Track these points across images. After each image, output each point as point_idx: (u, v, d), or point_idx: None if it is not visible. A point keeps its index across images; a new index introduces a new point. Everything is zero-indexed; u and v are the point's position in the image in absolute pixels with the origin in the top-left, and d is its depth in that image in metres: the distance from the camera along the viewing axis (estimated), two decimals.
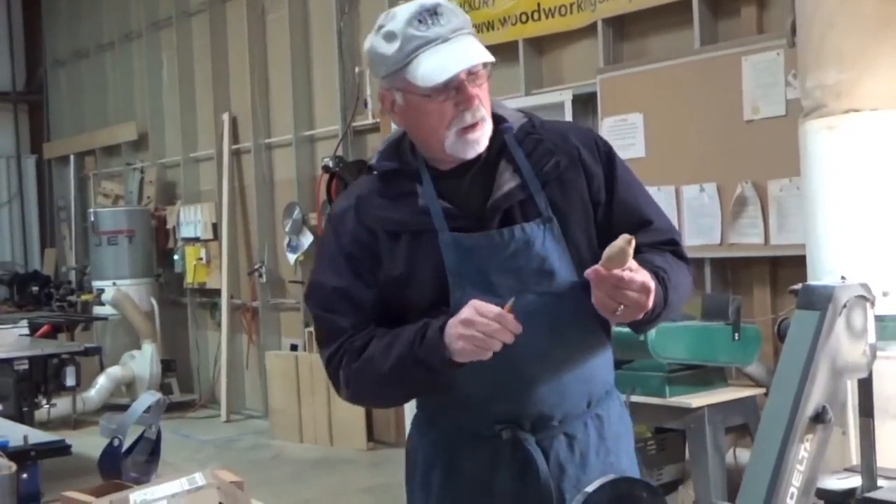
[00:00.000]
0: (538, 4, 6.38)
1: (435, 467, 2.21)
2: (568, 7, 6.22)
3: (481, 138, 2.07)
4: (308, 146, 8.58)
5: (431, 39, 2.00)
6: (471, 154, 2.08)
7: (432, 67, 1.99)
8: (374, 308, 2.11)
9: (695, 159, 5.47)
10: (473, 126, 2.05)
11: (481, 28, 6.71)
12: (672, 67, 5.57)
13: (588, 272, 1.92)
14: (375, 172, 2.16)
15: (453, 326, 1.95)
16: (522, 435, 2.11)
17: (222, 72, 9.51)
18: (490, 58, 2.03)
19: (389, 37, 2.03)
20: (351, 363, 2.08)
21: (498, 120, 2.13)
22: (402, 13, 2.02)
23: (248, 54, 9.02)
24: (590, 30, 6.12)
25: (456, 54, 2.00)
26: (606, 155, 2.19)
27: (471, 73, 2.03)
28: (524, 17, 6.47)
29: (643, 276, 1.92)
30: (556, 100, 6.36)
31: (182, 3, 9.95)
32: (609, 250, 1.88)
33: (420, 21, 2.00)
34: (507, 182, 2.09)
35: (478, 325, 1.91)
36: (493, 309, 1.91)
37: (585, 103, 6.22)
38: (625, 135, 5.78)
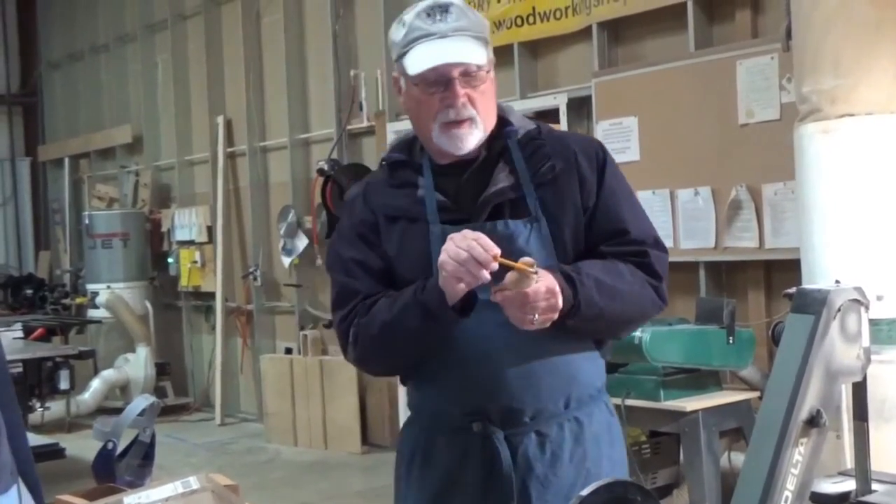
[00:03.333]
0: (533, 8, 6.38)
1: (415, 458, 2.30)
2: (563, 11, 6.23)
3: (467, 137, 2.15)
4: (303, 149, 8.57)
5: (431, 33, 2.12)
6: (456, 149, 2.17)
7: (419, 58, 2.12)
8: (386, 276, 2.23)
9: (689, 163, 5.48)
10: (458, 123, 2.13)
11: None
12: (667, 71, 5.58)
13: (495, 298, 2.02)
14: (385, 163, 2.30)
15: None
16: (491, 429, 2.17)
17: (217, 75, 9.49)
18: (476, 60, 2.12)
19: (400, 24, 2.18)
20: (360, 319, 2.20)
21: (504, 123, 2.22)
22: (419, 5, 2.16)
23: (243, 57, 9.01)
24: (584, 33, 6.13)
25: (444, 50, 2.11)
26: (601, 162, 2.26)
27: (466, 74, 2.12)
28: (519, 21, 6.48)
29: (546, 280, 2.02)
30: (551, 103, 6.36)
31: (177, 5, 9.93)
32: (511, 276, 1.98)
33: (428, 15, 2.14)
34: (501, 181, 2.18)
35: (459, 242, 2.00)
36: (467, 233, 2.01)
37: (580, 107, 6.23)
38: (619, 138, 5.78)
